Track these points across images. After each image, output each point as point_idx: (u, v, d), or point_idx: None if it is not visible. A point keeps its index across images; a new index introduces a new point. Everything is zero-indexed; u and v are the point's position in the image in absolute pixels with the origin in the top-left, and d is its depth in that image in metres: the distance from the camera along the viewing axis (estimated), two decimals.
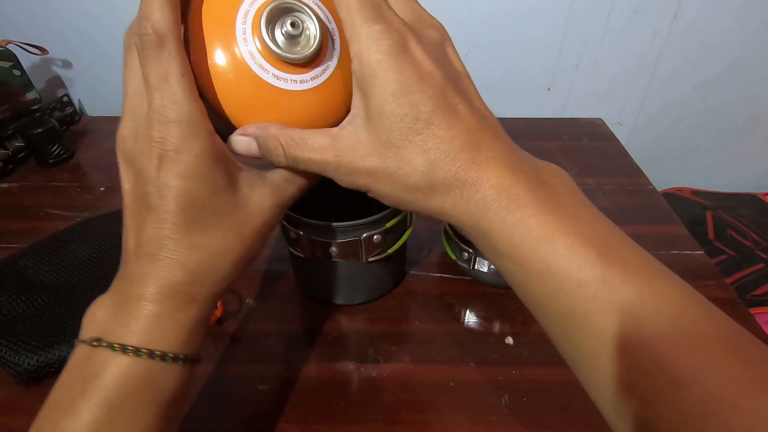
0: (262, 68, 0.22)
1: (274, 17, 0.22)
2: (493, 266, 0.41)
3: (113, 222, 0.50)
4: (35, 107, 0.67)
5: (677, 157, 0.85)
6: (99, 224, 0.49)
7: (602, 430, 0.34)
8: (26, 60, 0.69)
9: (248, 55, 0.22)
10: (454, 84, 0.22)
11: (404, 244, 0.40)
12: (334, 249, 0.36)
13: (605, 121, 0.75)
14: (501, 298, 0.45)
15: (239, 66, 0.22)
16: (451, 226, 0.43)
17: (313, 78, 0.23)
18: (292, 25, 0.22)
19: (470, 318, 0.43)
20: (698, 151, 0.84)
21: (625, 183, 0.60)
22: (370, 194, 0.23)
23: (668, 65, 0.73)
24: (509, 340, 0.41)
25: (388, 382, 0.38)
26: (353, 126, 0.22)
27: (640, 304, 0.19)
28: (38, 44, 0.68)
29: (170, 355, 0.22)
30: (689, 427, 0.17)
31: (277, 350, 0.40)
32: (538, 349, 0.40)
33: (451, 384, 0.37)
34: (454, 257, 0.44)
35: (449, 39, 0.24)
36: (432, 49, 0.22)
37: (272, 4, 0.22)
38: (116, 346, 0.22)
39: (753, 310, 0.61)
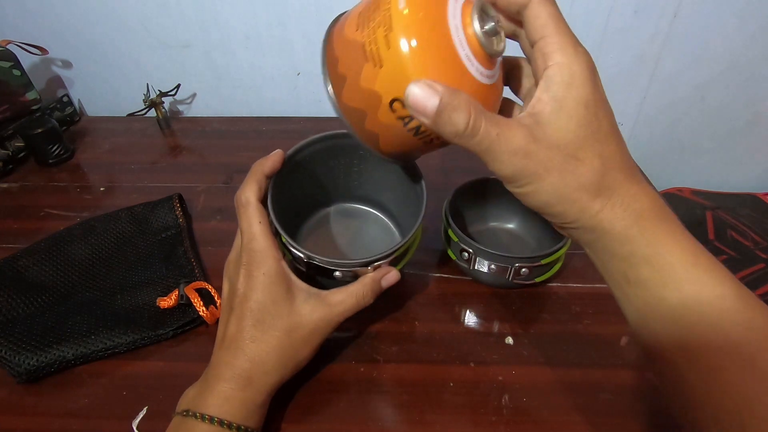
0: (469, 59, 0.23)
1: (481, 13, 0.24)
2: (493, 266, 0.41)
3: (113, 222, 0.50)
4: (35, 107, 0.67)
5: (677, 157, 0.85)
6: (99, 224, 0.49)
7: (602, 429, 0.34)
8: (26, 60, 0.69)
9: (458, 43, 0.23)
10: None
11: None
12: (338, 274, 0.36)
13: None
14: (501, 298, 0.45)
15: (450, 53, 0.23)
16: (450, 225, 0.43)
17: (491, 76, 0.25)
18: (493, 22, 0.24)
19: (470, 318, 0.43)
20: (698, 151, 0.84)
21: None
22: (522, 188, 0.24)
23: (668, 65, 0.73)
24: (509, 340, 0.41)
25: (388, 382, 0.38)
26: (536, 120, 0.24)
27: (764, 323, 0.22)
28: (38, 44, 0.68)
29: (234, 425, 0.29)
30: None
31: None
32: (538, 349, 0.40)
33: (451, 384, 0.37)
34: (454, 257, 0.44)
35: None
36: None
37: (477, 3, 0.24)
38: (198, 415, 0.29)
39: None
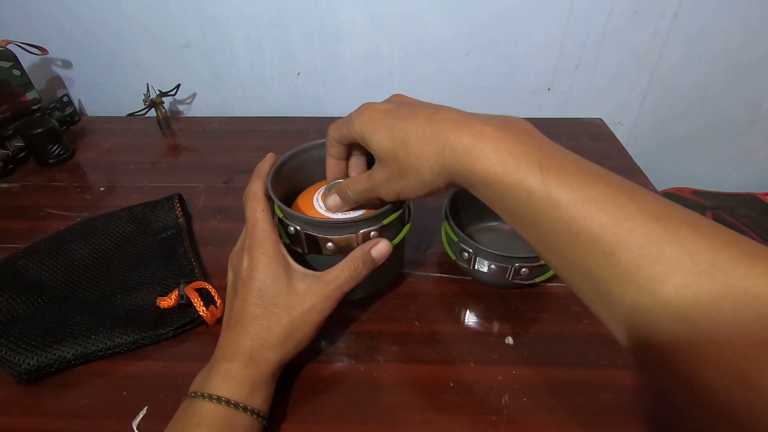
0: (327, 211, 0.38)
1: (326, 191, 0.39)
2: (493, 266, 0.41)
3: (113, 222, 0.50)
4: (35, 107, 0.67)
5: (677, 157, 0.85)
6: (99, 224, 0.49)
7: (602, 429, 0.34)
8: (26, 60, 0.69)
9: (319, 207, 0.39)
10: (410, 106, 0.32)
11: (402, 241, 0.40)
12: (330, 245, 0.36)
13: (605, 121, 0.75)
14: (501, 298, 0.45)
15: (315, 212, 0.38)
16: (450, 225, 0.43)
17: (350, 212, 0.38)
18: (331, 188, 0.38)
19: (470, 318, 0.43)
20: (698, 151, 0.84)
21: None
22: (401, 196, 0.33)
23: (668, 65, 0.73)
24: (509, 340, 0.41)
25: (388, 382, 0.38)
26: (374, 165, 0.34)
27: (574, 197, 0.24)
28: (38, 44, 0.68)
29: (241, 405, 0.31)
30: (626, 284, 0.22)
31: None
32: (538, 349, 0.40)
33: (451, 384, 0.37)
34: (454, 257, 0.44)
35: (404, 96, 0.35)
36: (389, 102, 0.33)
37: (326, 185, 0.39)
38: (205, 395, 0.31)
39: None
